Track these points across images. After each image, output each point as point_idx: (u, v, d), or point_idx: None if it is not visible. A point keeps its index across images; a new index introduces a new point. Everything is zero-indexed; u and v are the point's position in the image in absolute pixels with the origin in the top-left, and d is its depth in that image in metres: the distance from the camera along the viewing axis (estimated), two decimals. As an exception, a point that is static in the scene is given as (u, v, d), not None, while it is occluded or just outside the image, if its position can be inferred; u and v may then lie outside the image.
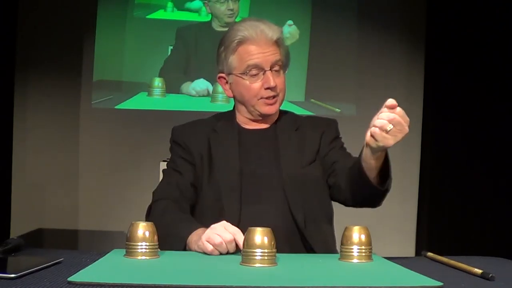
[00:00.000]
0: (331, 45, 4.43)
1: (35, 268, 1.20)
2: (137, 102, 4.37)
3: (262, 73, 1.78)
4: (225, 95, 4.21)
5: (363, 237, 1.39)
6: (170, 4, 4.42)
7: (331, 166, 1.82)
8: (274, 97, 1.80)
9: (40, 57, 4.32)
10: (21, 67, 4.31)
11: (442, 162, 4.15)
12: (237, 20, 4.32)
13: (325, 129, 1.89)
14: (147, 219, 1.73)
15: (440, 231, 4.13)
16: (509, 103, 3.77)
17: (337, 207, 1.88)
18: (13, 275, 1.11)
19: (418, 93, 4.39)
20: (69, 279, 1.12)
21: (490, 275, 1.25)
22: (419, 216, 4.39)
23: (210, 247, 1.44)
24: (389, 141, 1.46)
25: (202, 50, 4.35)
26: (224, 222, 1.49)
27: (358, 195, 1.71)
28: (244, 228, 1.43)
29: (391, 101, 1.44)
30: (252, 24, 1.79)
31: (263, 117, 1.85)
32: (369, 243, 1.40)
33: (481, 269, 1.29)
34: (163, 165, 3.34)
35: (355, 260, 1.38)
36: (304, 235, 1.73)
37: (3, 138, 4.21)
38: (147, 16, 4.41)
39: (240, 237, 1.43)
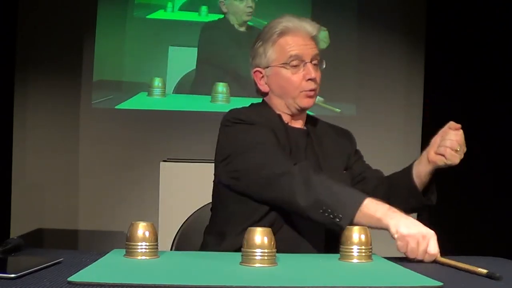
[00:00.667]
0: (331, 45, 4.42)
1: (35, 268, 1.19)
2: (137, 102, 4.36)
3: (302, 65, 1.77)
4: (225, 95, 4.21)
5: (363, 237, 1.39)
6: (170, 4, 4.41)
7: (359, 174, 1.88)
8: (313, 90, 1.79)
9: (40, 57, 4.31)
10: (21, 67, 4.31)
11: (442, 162, 4.14)
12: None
13: (349, 139, 1.93)
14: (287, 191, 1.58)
15: (440, 231, 4.12)
16: (509, 103, 3.77)
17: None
18: (13, 275, 1.11)
19: (418, 93, 4.38)
20: (69, 279, 1.12)
21: (498, 274, 1.23)
22: (419, 216, 4.38)
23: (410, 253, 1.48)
24: (456, 159, 1.67)
25: (227, 48, 4.28)
26: (419, 224, 1.57)
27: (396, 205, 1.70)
28: (278, 226, 1.58)
29: (455, 124, 1.69)
30: (291, 18, 1.81)
31: (301, 111, 1.82)
32: (369, 243, 1.40)
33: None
34: (163, 165, 3.38)
35: (355, 260, 1.38)
36: (326, 235, 1.71)
37: (3, 138, 4.21)
38: (147, 16, 4.41)
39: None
